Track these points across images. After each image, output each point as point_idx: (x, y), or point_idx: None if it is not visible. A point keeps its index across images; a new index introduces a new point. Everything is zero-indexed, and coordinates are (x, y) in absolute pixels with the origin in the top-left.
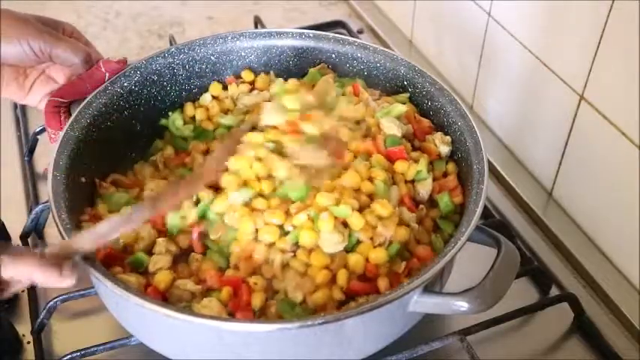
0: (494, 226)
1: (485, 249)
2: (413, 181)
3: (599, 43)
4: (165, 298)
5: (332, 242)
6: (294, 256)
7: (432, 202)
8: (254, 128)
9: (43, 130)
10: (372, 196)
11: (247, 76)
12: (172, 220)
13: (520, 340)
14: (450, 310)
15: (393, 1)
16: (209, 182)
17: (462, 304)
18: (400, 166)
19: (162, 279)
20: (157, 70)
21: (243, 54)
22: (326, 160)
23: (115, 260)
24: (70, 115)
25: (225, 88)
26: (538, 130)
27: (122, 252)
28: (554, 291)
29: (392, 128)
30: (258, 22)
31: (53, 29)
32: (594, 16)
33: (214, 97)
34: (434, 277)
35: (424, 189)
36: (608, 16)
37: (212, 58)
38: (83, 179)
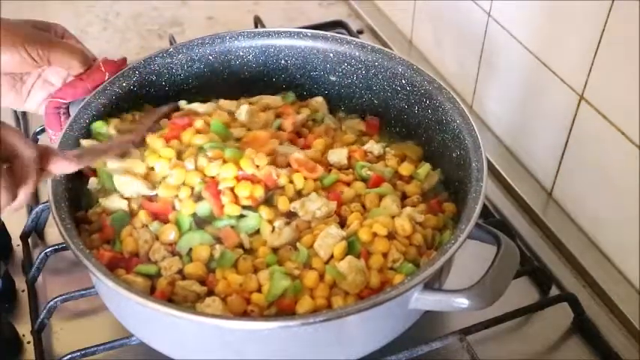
0: (494, 225)
1: (484, 248)
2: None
3: (599, 43)
4: (170, 298)
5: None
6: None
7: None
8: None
9: (43, 131)
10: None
11: None
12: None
13: (520, 340)
14: (450, 307)
15: (393, 1)
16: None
17: (463, 301)
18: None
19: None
20: (156, 71)
21: (241, 54)
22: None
23: (119, 263)
24: (70, 115)
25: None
26: (538, 130)
27: (128, 258)
28: (554, 291)
29: None
30: (258, 22)
31: (45, 32)
32: (594, 16)
33: None
34: (434, 274)
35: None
36: (608, 16)
37: (210, 58)
38: (87, 186)
